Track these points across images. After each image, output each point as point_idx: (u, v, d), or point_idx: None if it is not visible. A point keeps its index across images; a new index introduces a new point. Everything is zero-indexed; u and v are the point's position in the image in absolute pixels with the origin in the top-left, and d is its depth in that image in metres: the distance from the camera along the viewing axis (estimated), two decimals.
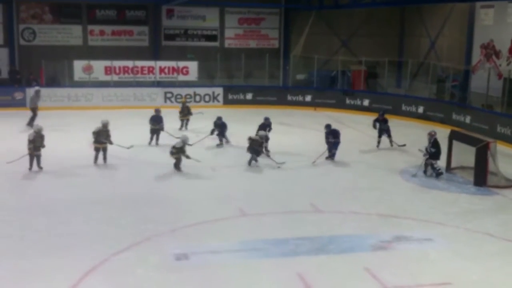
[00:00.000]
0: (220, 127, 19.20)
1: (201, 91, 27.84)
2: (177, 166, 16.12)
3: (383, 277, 9.76)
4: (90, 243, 11.04)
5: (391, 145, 18.91)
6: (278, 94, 28.32)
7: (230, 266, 10.25)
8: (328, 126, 17.72)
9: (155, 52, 30.23)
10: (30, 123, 21.42)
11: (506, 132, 20.31)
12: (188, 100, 24.79)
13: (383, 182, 15.62)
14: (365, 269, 10.07)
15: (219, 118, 19.29)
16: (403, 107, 25.39)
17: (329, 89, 28.41)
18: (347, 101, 27.11)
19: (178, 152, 16.05)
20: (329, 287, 9.55)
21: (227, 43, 31.51)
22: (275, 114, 25.71)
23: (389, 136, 19.21)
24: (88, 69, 27.26)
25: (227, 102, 27.82)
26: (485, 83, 23.64)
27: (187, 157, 16.04)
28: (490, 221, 12.70)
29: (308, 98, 27.82)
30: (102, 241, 11.12)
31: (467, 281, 9.78)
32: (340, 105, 27.01)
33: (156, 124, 19.33)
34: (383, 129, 19.17)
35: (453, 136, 16.81)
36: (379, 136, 19.22)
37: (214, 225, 12.26)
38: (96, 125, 16.83)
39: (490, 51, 25.47)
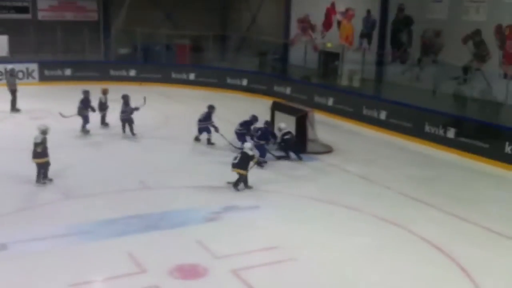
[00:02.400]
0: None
1: (14, 67, 25.58)
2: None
3: (213, 247, 9.85)
4: None
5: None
6: (100, 69, 27.07)
7: (54, 252, 9.60)
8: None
9: None
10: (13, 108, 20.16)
11: (323, 102, 21.64)
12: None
13: (212, 155, 15.73)
14: (197, 242, 10.09)
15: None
16: (228, 80, 25.82)
17: (155, 64, 27.87)
18: (173, 76, 26.84)
19: None
20: (160, 262, 9.38)
21: (41, 16, 29.30)
22: (98, 90, 24.70)
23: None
24: None
25: (43, 78, 25.94)
26: (303, 56, 24.94)
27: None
28: (312, 186, 13.45)
29: (132, 72, 27.03)
30: None
31: (292, 244, 10.25)
32: (166, 80, 26.65)
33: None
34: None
35: (275, 107, 17.48)
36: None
37: (36, 210, 11.42)
38: None
39: (306, 25, 26.86)
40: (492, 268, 9.62)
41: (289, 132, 15.42)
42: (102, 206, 11.74)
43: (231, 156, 13.66)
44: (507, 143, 15.26)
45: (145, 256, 9.55)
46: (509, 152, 15.21)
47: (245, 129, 15.88)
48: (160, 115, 20.08)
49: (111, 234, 10.38)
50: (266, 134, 15.05)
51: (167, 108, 21.43)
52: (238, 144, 15.38)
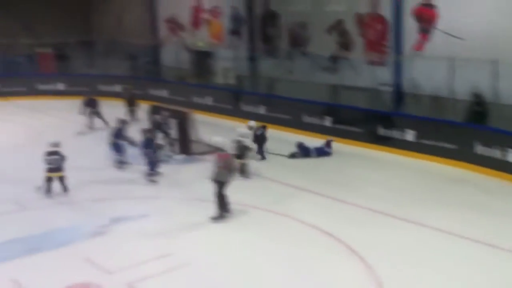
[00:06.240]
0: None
1: None
2: None
3: (105, 263, 9.43)
4: None
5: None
6: None
7: None
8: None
9: None
10: None
11: (200, 101, 21.58)
12: None
13: (91, 166, 15.02)
14: (85, 259, 9.60)
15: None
16: (100, 87, 24.84)
17: (17, 75, 26.13)
18: (40, 87, 25.40)
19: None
20: (49, 285, 8.81)
21: None
22: None
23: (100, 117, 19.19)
24: None
25: None
26: (175, 57, 24.66)
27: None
28: (200, 187, 13.25)
29: None
30: None
31: (186, 248, 10.08)
32: (32, 92, 25.14)
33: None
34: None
35: (154, 111, 17.08)
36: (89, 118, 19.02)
37: None
38: None
39: (174, 25, 26.56)
40: (378, 246, 10.08)
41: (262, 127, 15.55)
42: None
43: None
44: (380, 126, 16.15)
45: (32, 280, 8.93)
46: (383, 134, 16.10)
47: (119, 138, 15.05)
48: (30, 130, 18.91)
49: None
50: (149, 142, 14.04)
51: (37, 122, 20.26)
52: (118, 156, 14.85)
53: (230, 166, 11.36)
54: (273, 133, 17.72)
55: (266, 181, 13.76)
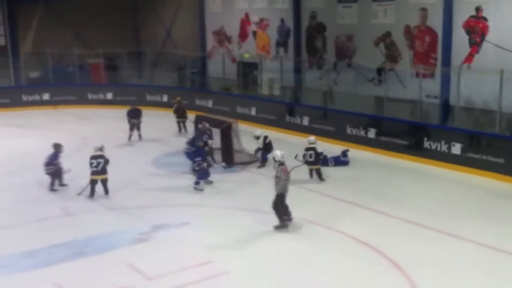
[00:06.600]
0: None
1: None
2: None
3: (146, 269, 9.54)
4: None
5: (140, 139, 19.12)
6: (11, 95, 25.84)
7: None
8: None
9: None
10: None
11: (245, 112, 21.67)
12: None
13: (136, 174, 15.29)
14: (127, 264, 9.73)
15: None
16: (148, 97, 25.36)
17: (69, 85, 26.93)
18: (90, 96, 26.10)
19: None
20: None
21: None
22: (9, 117, 23.77)
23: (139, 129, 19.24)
24: None
25: None
26: (221, 68, 24.93)
27: None
28: (241, 196, 13.34)
29: (46, 96, 26.01)
30: None
31: (226, 257, 10.10)
32: (82, 101, 25.84)
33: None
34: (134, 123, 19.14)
35: (198, 121, 17.25)
36: (130, 130, 19.08)
37: None
38: None
39: (222, 37, 26.88)
40: (421, 260, 9.85)
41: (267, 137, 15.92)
42: (24, 236, 11.11)
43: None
44: (425, 139, 15.84)
45: (75, 285, 9.11)
46: (428, 147, 15.78)
47: (193, 146, 14.95)
48: (77, 137, 19.39)
49: (35, 265, 9.82)
50: (199, 151, 14.28)
51: (85, 130, 20.77)
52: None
53: (289, 178, 11.47)
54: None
55: (306, 192, 13.67)
